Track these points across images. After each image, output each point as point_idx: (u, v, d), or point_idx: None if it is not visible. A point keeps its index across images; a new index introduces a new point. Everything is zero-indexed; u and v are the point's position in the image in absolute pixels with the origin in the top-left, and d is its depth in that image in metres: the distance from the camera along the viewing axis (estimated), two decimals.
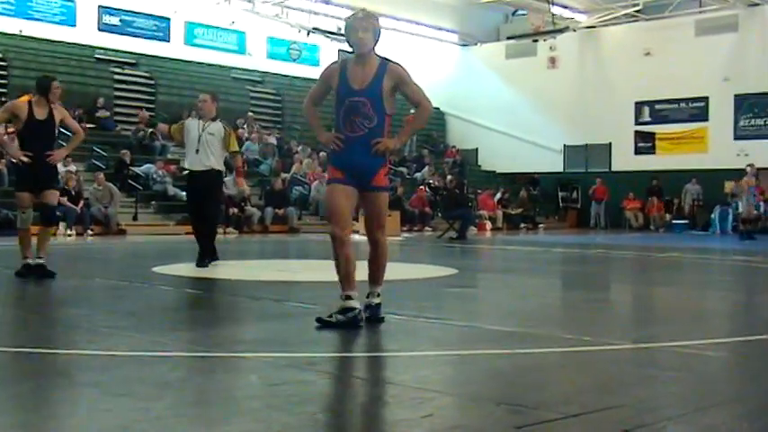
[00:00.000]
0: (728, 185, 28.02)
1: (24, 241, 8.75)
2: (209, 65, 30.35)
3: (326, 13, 31.45)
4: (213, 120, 10.17)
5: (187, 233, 10.82)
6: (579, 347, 5.02)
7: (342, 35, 34.19)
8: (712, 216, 27.58)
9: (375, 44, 5.61)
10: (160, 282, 9.05)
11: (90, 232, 19.22)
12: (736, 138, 28.74)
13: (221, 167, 10.22)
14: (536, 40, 32.60)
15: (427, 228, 25.60)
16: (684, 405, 3.66)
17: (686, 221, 28.38)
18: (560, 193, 32.80)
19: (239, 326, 5.93)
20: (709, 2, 29.31)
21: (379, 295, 5.78)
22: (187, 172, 10.51)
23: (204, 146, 9.95)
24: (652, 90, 30.20)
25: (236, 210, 22.02)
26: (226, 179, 23.04)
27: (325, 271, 10.22)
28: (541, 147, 32.04)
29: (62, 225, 18.95)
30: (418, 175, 30.61)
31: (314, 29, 31.41)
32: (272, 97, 31.99)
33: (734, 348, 5.24)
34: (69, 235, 18.68)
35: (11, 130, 21.57)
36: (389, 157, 5.84)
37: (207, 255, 10.11)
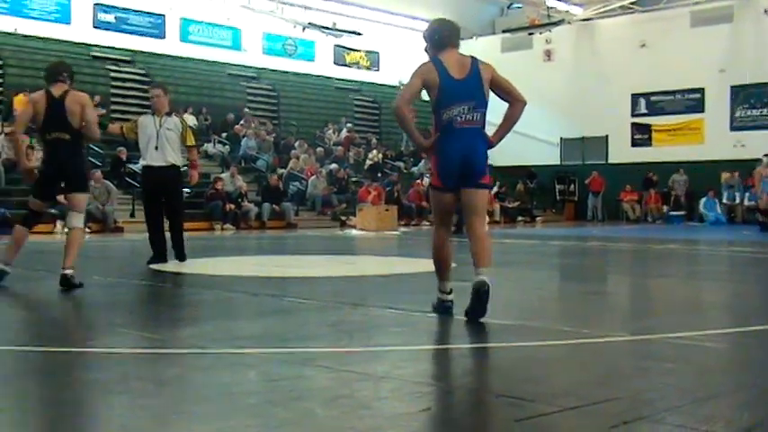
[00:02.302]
0: (725, 176, 28.13)
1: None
2: (205, 61, 30.32)
3: (321, 9, 31.43)
4: (168, 114, 10.12)
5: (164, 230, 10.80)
6: (577, 340, 5.02)
7: (338, 30, 34.26)
8: (702, 209, 27.68)
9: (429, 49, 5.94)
10: (157, 279, 9.05)
11: (87, 230, 19.18)
12: (733, 129, 28.79)
13: (180, 162, 10.21)
14: (532, 33, 32.64)
15: (425, 222, 25.60)
16: (683, 396, 3.66)
17: (683, 213, 28.45)
18: (557, 186, 32.85)
19: (237, 322, 5.93)
20: None
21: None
22: (142, 169, 10.48)
23: (163, 141, 9.89)
24: (648, 82, 30.23)
25: (232, 206, 22.01)
26: (222, 175, 23.05)
27: (323, 266, 10.27)
28: (538, 140, 32.04)
29: (59, 223, 18.94)
30: (415, 169, 30.61)
31: (309, 24, 31.40)
32: (268, 93, 31.96)
33: (732, 339, 5.24)
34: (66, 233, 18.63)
35: (9, 130, 21.61)
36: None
37: (181, 248, 10.16)
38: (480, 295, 5.38)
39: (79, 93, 7.79)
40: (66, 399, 3.64)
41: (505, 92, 5.82)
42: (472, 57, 5.82)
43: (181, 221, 10.48)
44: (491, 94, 5.79)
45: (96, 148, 23.15)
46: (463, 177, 5.64)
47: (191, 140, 10.32)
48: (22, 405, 3.46)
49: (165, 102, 10.19)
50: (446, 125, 5.64)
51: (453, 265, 6.00)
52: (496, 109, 6.02)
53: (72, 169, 7.77)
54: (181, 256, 10.15)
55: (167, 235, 10.27)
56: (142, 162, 10.59)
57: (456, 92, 5.62)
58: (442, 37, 5.84)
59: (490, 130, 5.78)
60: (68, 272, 7.49)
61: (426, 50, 5.93)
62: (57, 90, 7.54)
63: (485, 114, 5.71)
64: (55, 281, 7.61)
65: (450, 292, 5.78)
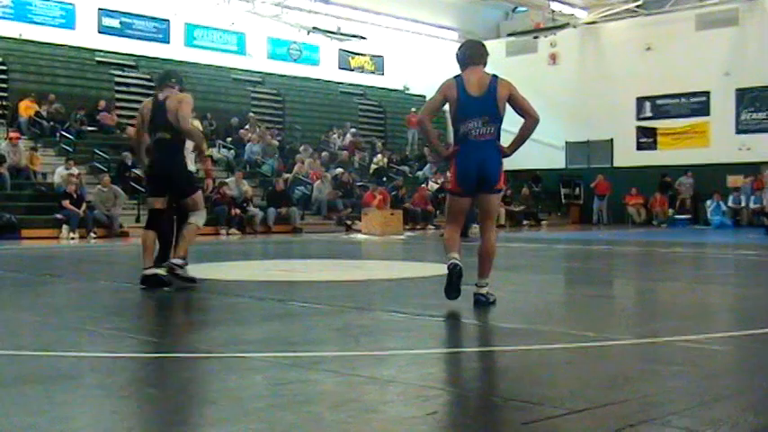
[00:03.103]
0: (733, 179, 28.09)
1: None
2: (210, 66, 30.37)
3: (326, 13, 31.45)
4: None
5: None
6: (584, 343, 5.02)
7: (343, 34, 34.26)
8: (707, 212, 27.65)
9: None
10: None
11: (93, 235, 19.24)
12: (738, 132, 28.74)
13: (193, 168, 10.26)
14: (536, 37, 32.63)
15: (430, 226, 25.59)
16: (689, 399, 3.66)
17: (688, 216, 28.40)
18: (562, 190, 32.79)
19: (243, 326, 5.94)
20: None
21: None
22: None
23: None
24: (653, 85, 30.19)
25: (238, 211, 22.03)
26: (227, 180, 23.08)
27: (328, 270, 10.27)
28: (543, 143, 31.92)
29: (65, 228, 18.99)
30: (420, 173, 30.61)
31: (314, 28, 31.43)
32: (272, 98, 32.00)
33: (738, 342, 5.23)
34: (72, 238, 18.70)
35: (13, 135, 21.68)
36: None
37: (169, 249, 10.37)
38: (479, 304, 6.38)
39: (181, 93, 8.18)
40: (72, 403, 3.65)
41: (521, 108, 6.36)
42: (493, 75, 6.38)
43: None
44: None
45: (102, 153, 23.20)
46: (479, 184, 6.33)
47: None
48: (28, 410, 3.47)
49: None
50: (463, 137, 6.31)
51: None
52: (518, 121, 6.42)
53: (174, 170, 8.14)
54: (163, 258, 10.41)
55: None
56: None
57: (472, 108, 6.26)
58: (465, 56, 6.45)
59: (507, 140, 6.38)
60: (177, 261, 7.99)
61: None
62: (162, 94, 8.06)
63: (499, 128, 6.32)
64: (62, 284, 7.63)
65: (455, 258, 6.34)
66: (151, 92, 28.58)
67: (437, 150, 6.83)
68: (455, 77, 6.37)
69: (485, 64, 6.46)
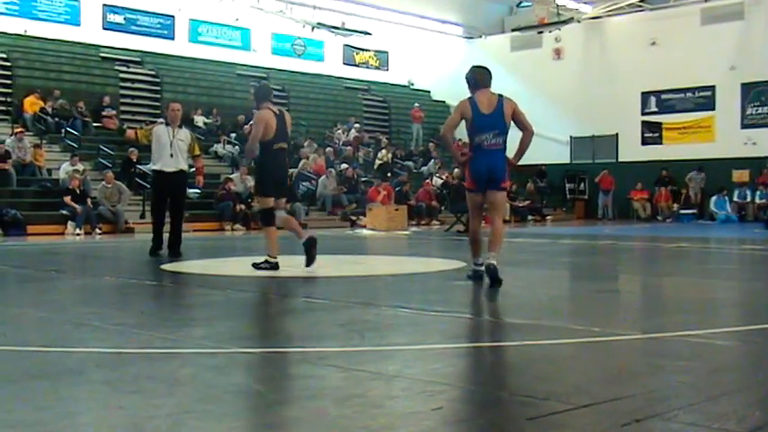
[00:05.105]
0: (737, 174, 28.03)
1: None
2: (214, 62, 30.38)
3: (330, 8, 31.44)
4: (180, 126, 11.77)
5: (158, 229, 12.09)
6: (589, 338, 5.02)
7: (347, 29, 34.40)
8: (711, 206, 27.61)
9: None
10: (168, 279, 9.08)
11: (98, 231, 19.26)
12: (744, 126, 28.66)
13: (187, 168, 11.91)
14: (541, 32, 32.56)
15: (435, 221, 25.58)
16: (695, 394, 3.65)
17: (694, 211, 28.35)
18: (567, 185, 32.74)
19: (248, 322, 5.94)
20: None
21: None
22: (154, 172, 12.05)
23: (176, 150, 11.47)
24: (658, 80, 30.12)
25: (243, 206, 22.03)
26: (232, 175, 23.28)
27: (333, 266, 10.25)
28: (548, 138, 31.88)
29: (71, 224, 19.02)
30: (425, 168, 30.60)
31: (318, 24, 31.39)
32: (277, 93, 31.89)
33: (744, 337, 5.23)
34: (78, 234, 18.73)
35: (18, 130, 21.70)
36: None
37: (179, 240, 11.70)
38: (491, 272, 7.37)
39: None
40: (78, 399, 3.65)
41: (521, 123, 7.76)
42: (499, 95, 7.70)
43: (181, 218, 12.10)
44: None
45: (108, 150, 23.23)
46: (489, 183, 7.75)
47: (197, 151, 12.13)
48: (34, 406, 3.48)
49: (179, 115, 11.81)
50: (477, 146, 7.69)
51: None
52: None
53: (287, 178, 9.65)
54: (176, 252, 11.40)
55: (167, 234, 11.78)
56: (154, 166, 12.10)
57: (484, 124, 7.63)
58: (476, 81, 7.77)
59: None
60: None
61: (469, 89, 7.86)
62: (277, 108, 9.38)
63: (506, 139, 7.73)
64: (67, 280, 7.64)
65: (480, 264, 7.69)
66: (156, 88, 28.73)
67: (455, 157, 8.48)
68: (469, 99, 7.69)
69: (490, 86, 7.75)
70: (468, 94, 7.76)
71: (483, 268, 7.54)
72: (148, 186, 21.97)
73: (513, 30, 33.84)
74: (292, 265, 9.43)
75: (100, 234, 19.09)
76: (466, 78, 7.85)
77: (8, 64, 25.36)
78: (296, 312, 6.41)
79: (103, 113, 25.51)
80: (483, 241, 7.94)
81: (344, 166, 27.59)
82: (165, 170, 11.51)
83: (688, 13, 29.78)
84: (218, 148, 26.35)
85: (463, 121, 7.73)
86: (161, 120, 11.96)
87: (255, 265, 9.10)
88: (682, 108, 30.01)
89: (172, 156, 11.44)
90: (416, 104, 33.99)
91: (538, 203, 30.25)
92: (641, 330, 5.42)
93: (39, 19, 26.84)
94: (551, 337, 5.02)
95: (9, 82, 25.13)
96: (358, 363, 4.30)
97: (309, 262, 9.15)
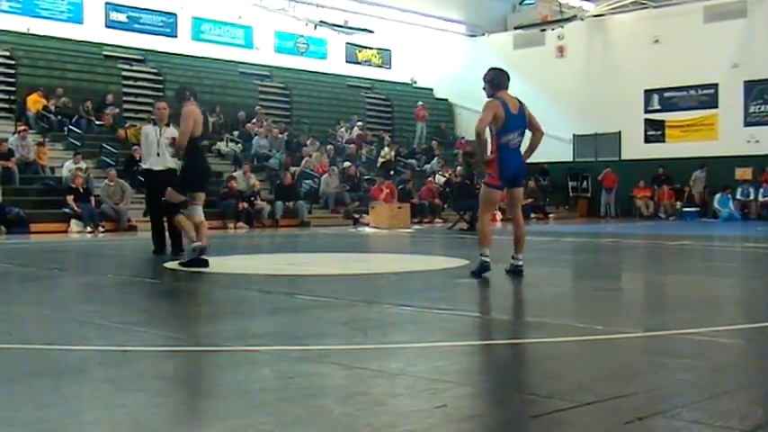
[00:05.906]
0: (740, 172, 28.00)
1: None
2: (217, 60, 30.35)
3: (333, 6, 31.42)
4: (167, 125, 11.72)
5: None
6: (592, 336, 5.02)
7: (350, 27, 34.38)
8: (715, 204, 27.57)
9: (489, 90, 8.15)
10: (171, 277, 9.08)
11: (101, 229, 19.27)
12: (747, 124, 28.61)
13: (176, 166, 11.48)
14: (544, 30, 32.51)
15: (437, 219, 25.57)
16: (698, 392, 3.65)
17: (697, 209, 28.31)
18: (570, 183, 32.71)
19: (251, 320, 5.94)
20: None
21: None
22: (144, 171, 12.20)
23: (163, 149, 11.47)
24: (661, 78, 30.07)
25: (245, 204, 22.04)
26: (235, 174, 23.28)
27: (336, 264, 10.28)
28: (551, 136, 31.57)
29: (74, 223, 19.02)
30: (428, 166, 30.58)
31: (321, 22, 31.38)
32: (280, 91, 31.98)
33: (746, 335, 5.22)
34: (80, 232, 18.74)
35: (21, 128, 21.72)
36: None
37: (179, 238, 11.24)
38: (520, 272, 8.17)
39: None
40: (81, 397, 3.66)
41: (533, 124, 8.21)
42: (517, 97, 8.07)
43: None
44: None
45: (110, 148, 23.23)
46: (513, 180, 8.21)
47: None
48: (37, 404, 3.48)
49: (166, 114, 11.84)
50: (503, 146, 8.01)
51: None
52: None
53: None
54: (178, 250, 11.20)
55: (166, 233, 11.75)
56: (144, 166, 12.20)
57: (514, 124, 7.99)
58: (500, 82, 8.07)
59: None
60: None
61: (484, 88, 8.12)
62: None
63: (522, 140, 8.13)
64: (70, 278, 7.64)
65: (488, 255, 8.00)
66: (159, 86, 28.74)
67: (481, 156, 8.50)
68: (498, 99, 7.94)
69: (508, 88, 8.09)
70: (478, 94, 8.06)
71: (489, 260, 8.00)
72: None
73: (516, 28, 33.80)
74: (293, 263, 9.42)
75: (103, 232, 19.10)
76: (487, 79, 8.10)
77: (11, 62, 25.36)
78: (298, 310, 6.41)
79: (106, 111, 25.51)
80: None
81: (347, 164, 27.58)
82: (153, 169, 11.70)
83: (691, 11, 29.73)
84: (221, 146, 26.35)
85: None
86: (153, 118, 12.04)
87: (182, 264, 9.41)
88: (685, 106, 29.97)
89: (159, 155, 11.58)
90: (420, 103, 33.97)
91: (541, 201, 30.21)
92: (644, 328, 5.42)
93: (42, 17, 26.83)
94: (554, 335, 5.02)
95: (12, 80, 25.13)
96: (361, 360, 4.30)
97: (174, 250, 9.95)
